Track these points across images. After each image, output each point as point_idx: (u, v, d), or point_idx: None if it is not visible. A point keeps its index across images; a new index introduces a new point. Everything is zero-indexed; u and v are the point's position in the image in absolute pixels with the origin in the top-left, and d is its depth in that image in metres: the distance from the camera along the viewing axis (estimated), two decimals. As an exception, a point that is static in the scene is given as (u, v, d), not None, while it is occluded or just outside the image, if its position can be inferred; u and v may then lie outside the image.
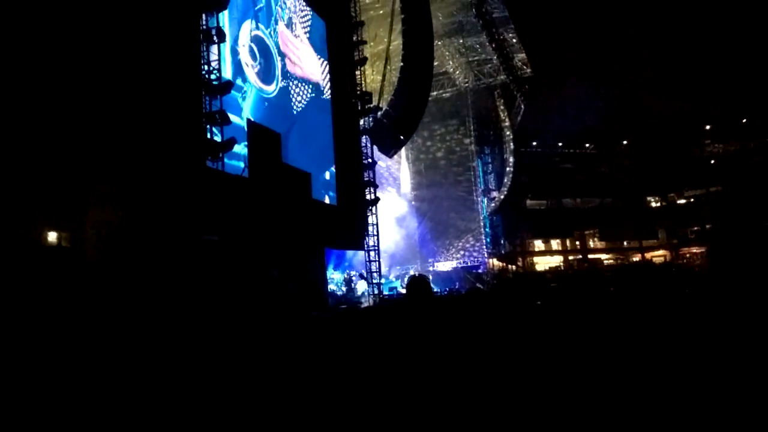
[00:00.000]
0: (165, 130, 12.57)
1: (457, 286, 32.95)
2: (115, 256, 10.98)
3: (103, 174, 11.23)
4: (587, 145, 45.62)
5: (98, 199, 11.21)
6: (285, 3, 20.25)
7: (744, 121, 42.16)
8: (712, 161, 43.20)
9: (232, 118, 14.84)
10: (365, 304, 24.18)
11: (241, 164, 15.82)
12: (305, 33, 21.61)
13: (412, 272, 32.87)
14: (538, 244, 43.72)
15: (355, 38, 25.07)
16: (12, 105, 9.93)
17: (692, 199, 43.29)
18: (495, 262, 37.24)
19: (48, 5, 10.69)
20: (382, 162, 31.58)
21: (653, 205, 45.35)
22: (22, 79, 10.16)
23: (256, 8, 18.08)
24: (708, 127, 44.10)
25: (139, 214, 11.66)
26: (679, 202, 44.40)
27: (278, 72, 18.99)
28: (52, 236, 11.15)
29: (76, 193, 11.00)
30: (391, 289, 27.72)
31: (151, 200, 12.04)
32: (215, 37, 14.41)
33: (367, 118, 25.53)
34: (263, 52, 18.15)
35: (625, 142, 45.23)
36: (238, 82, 16.34)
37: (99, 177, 11.20)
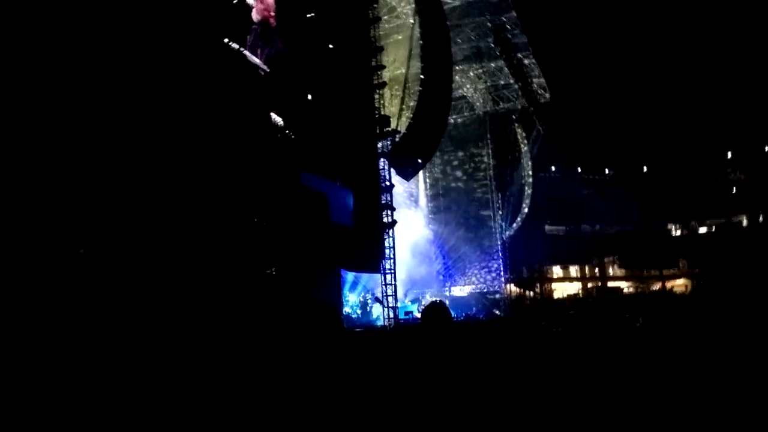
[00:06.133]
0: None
1: (474, 311, 32.59)
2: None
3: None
4: (606, 170, 45.29)
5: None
6: None
7: (767, 149, 41.61)
8: (734, 189, 42.61)
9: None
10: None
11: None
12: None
13: (428, 296, 32.60)
14: (557, 271, 43.23)
15: (374, 63, 25.16)
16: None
17: (714, 228, 42.63)
18: (512, 288, 36.84)
19: None
20: (400, 185, 31.53)
21: (674, 233, 44.75)
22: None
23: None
24: (729, 154, 43.59)
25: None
26: (700, 230, 43.77)
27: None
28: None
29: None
30: (406, 313, 27.39)
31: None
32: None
33: (385, 141, 25.54)
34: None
35: (645, 169, 44.82)
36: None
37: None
